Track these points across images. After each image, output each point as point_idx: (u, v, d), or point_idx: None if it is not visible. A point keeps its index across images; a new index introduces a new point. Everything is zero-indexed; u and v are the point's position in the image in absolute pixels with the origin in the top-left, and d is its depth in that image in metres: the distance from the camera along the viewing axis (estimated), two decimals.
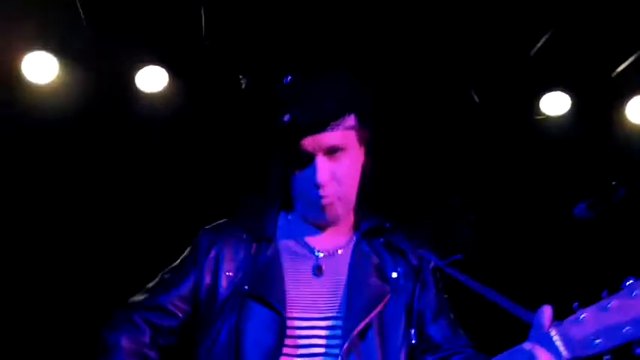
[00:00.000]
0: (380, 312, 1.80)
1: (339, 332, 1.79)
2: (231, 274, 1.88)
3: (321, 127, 1.68)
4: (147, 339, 1.92)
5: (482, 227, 4.63)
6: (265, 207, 1.93)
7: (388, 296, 1.84)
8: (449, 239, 5.08)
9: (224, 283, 1.88)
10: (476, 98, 4.81)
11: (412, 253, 1.91)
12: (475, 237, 4.58)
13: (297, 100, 1.66)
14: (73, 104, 4.64)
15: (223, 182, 4.68)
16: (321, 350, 1.80)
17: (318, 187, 1.79)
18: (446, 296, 1.97)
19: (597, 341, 1.55)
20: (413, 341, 1.85)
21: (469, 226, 5.22)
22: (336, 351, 1.78)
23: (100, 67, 4.65)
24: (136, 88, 4.65)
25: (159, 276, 2.05)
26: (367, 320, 1.77)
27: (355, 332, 1.76)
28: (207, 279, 1.91)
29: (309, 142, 1.73)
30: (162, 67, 4.58)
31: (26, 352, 4.63)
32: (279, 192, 1.91)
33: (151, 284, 2.06)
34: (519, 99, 5.16)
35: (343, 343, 1.77)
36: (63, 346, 4.64)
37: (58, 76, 4.52)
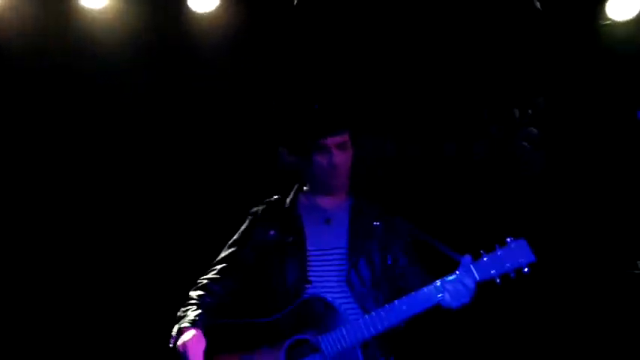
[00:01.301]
0: (369, 246, 2.90)
1: (344, 259, 2.87)
2: (272, 232, 2.97)
3: (337, 135, 2.90)
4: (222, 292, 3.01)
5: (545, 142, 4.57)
6: (293, 196, 3.08)
7: (373, 237, 2.94)
8: (510, 156, 4.97)
9: (269, 243, 2.96)
10: (538, 5, 4.62)
11: (384, 215, 3.00)
12: (538, 153, 4.54)
13: (324, 124, 2.86)
14: (127, 28, 4.62)
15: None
16: (333, 271, 2.88)
17: (334, 167, 2.91)
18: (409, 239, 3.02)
19: (492, 271, 2.72)
20: (389, 262, 2.95)
21: (530, 139, 5.14)
22: (343, 271, 2.87)
23: None
24: (188, 8, 4.59)
25: (226, 249, 3.07)
26: (362, 251, 2.89)
27: (354, 259, 2.88)
28: (260, 242, 2.99)
29: (330, 142, 2.91)
30: None
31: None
32: (299, 177, 3.08)
33: (220, 258, 3.07)
34: (583, 3, 4.93)
35: (348, 266, 2.87)
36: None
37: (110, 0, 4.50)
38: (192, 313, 2.84)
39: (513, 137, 5.19)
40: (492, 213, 4.90)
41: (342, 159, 2.89)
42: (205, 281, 2.98)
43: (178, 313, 2.90)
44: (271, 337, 2.77)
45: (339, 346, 2.71)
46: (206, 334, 2.79)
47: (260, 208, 3.09)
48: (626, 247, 4.72)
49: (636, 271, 4.47)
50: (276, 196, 3.11)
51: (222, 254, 3.05)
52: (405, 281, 2.91)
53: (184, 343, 2.73)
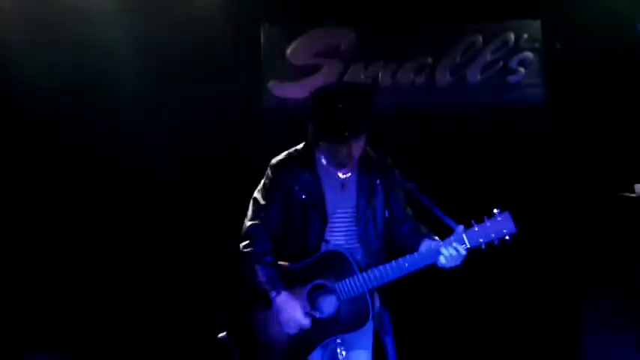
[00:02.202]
0: (373, 204, 3.32)
1: (354, 217, 3.29)
2: (300, 190, 3.27)
3: (356, 135, 3.17)
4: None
5: None
6: (306, 152, 3.35)
7: (377, 195, 3.34)
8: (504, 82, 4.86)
9: (295, 196, 3.28)
10: None
11: (384, 170, 3.36)
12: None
13: (346, 119, 3.12)
14: None
15: None
16: (346, 227, 3.29)
17: (351, 157, 3.23)
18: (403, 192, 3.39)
19: (480, 240, 3.09)
20: (387, 215, 3.37)
21: (526, 65, 5.03)
22: (353, 229, 3.30)
23: None
24: None
25: (260, 202, 3.32)
26: (369, 210, 3.33)
27: (364, 217, 3.31)
28: (289, 196, 3.29)
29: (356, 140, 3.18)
30: None
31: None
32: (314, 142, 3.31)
33: (251, 211, 3.35)
34: None
35: (358, 224, 3.30)
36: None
37: None
38: (271, 281, 3.23)
39: (508, 62, 5.10)
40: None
41: (357, 149, 3.20)
42: (261, 239, 3.28)
43: (258, 279, 3.21)
44: (298, 280, 3.23)
45: (351, 292, 3.18)
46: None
47: (281, 161, 3.34)
48: (622, 170, 4.68)
49: (632, 194, 4.43)
50: (293, 150, 3.36)
51: (261, 209, 3.31)
52: (399, 225, 3.37)
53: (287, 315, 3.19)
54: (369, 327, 3.25)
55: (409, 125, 4.98)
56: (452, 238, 3.10)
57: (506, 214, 3.08)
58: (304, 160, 3.31)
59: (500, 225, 3.07)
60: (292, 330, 3.18)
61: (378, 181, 3.34)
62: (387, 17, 5.04)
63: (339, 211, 3.29)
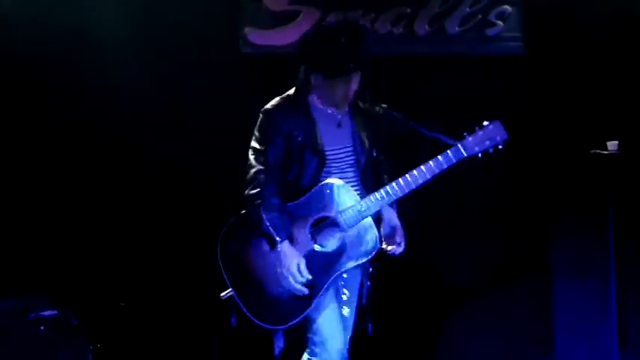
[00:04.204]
0: (366, 140, 3.38)
1: (353, 155, 3.36)
2: (295, 133, 3.28)
3: (360, 68, 3.26)
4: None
5: None
6: (298, 95, 3.39)
7: (370, 133, 3.40)
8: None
9: (292, 139, 3.29)
10: None
11: (375, 108, 3.45)
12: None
13: (350, 52, 3.21)
14: None
15: None
16: (346, 164, 3.34)
17: (350, 94, 3.32)
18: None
19: (475, 148, 3.25)
20: (374, 154, 3.41)
21: (504, 18, 5.00)
22: (353, 163, 3.36)
23: None
24: None
25: (252, 151, 3.33)
26: (365, 148, 3.39)
27: (359, 153, 3.37)
28: (286, 139, 3.30)
29: (352, 75, 3.26)
30: None
31: None
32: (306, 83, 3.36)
33: (251, 159, 3.33)
34: None
35: (356, 159, 3.37)
36: None
37: None
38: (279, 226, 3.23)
39: (487, 15, 5.07)
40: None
41: (352, 90, 3.28)
42: (264, 181, 3.26)
43: (264, 223, 3.21)
44: (298, 217, 3.27)
45: (353, 220, 3.22)
46: (240, 221, 3.33)
47: (274, 106, 3.36)
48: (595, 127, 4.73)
49: (604, 152, 4.48)
50: (284, 95, 3.38)
51: (259, 154, 3.31)
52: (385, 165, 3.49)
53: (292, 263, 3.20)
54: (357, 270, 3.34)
55: (386, 74, 4.95)
56: (449, 150, 3.24)
57: (497, 122, 3.29)
58: (297, 104, 3.34)
59: (492, 132, 3.26)
60: (287, 283, 3.18)
61: (370, 120, 3.40)
62: None
63: (336, 149, 3.33)
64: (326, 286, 3.22)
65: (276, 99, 3.38)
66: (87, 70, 4.90)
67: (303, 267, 3.18)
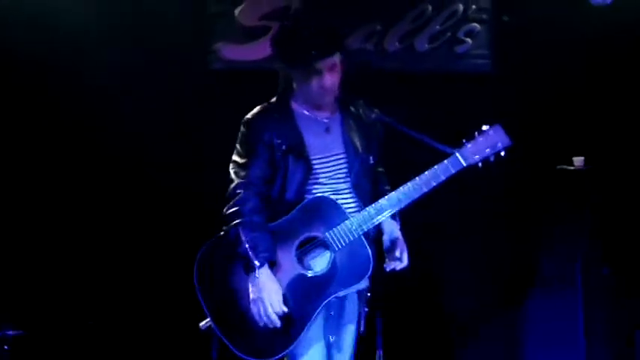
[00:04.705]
0: (360, 146, 3.06)
1: (345, 162, 3.02)
2: (279, 141, 2.98)
3: (330, 54, 2.94)
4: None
5: None
6: (281, 102, 3.11)
7: (363, 139, 3.07)
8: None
9: (275, 148, 2.98)
10: None
11: (368, 114, 3.14)
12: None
13: (320, 41, 2.92)
14: None
15: None
16: (336, 173, 3.00)
17: (324, 89, 2.98)
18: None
19: (475, 156, 2.93)
20: (371, 162, 3.10)
21: (473, 36, 5.07)
22: (345, 172, 3.02)
23: None
24: None
25: (233, 165, 3.03)
26: (359, 154, 3.06)
27: (352, 161, 3.03)
28: (269, 148, 3.00)
29: (321, 65, 2.94)
30: None
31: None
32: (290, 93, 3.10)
33: (232, 174, 3.03)
34: None
35: (349, 167, 3.03)
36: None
37: None
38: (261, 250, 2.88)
39: (456, 33, 5.14)
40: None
41: (331, 81, 2.96)
42: (245, 198, 2.94)
43: (242, 244, 2.86)
44: (283, 237, 2.91)
45: (344, 239, 2.89)
46: (218, 245, 2.96)
47: (255, 114, 3.07)
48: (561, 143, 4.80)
49: (570, 167, 4.54)
50: (265, 103, 3.10)
51: (241, 168, 3.01)
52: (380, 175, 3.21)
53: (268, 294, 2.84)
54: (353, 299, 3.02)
55: (356, 90, 4.98)
56: (446, 160, 2.92)
57: (497, 127, 2.94)
58: (279, 111, 3.05)
59: (492, 138, 2.93)
60: (256, 313, 2.83)
61: (360, 123, 3.10)
62: None
63: (324, 157, 3.01)
64: (315, 315, 2.87)
65: (257, 108, 3.10)
66: (62, 85, 4.85)
67: (279, 300, 2.82)
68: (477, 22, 5.13)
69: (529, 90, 5.02)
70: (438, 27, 5.12)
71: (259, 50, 4.87)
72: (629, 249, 4.80)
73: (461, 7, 5.13)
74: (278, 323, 2.82)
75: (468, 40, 5.14)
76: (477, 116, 4.96)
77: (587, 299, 4.48)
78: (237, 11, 4.95)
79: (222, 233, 2.93)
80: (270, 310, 2.81)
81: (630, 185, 4.90)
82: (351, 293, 3.00)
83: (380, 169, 3.19)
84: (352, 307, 3.06)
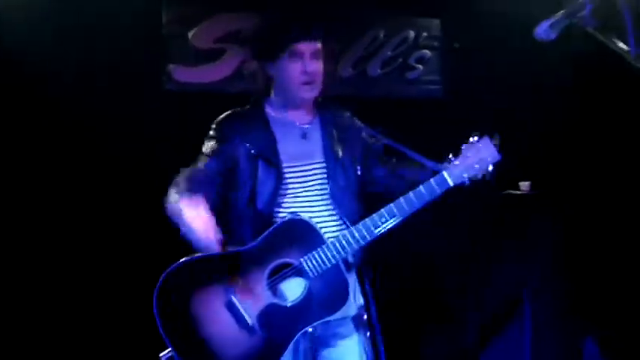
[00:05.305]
0: (342, 155, 2.86)
1: (323, 172, 2.82)
2: (247, 144, 2.81)
3: (312, 41, 2.82)
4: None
5: None
6: (254, 107, 2.95)
7: (345, 148, 2.88)
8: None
9: (244, 151, 2.81)
10: None
11: (355, 121, 3.00)
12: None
13: (302, 24, 2.80)
14: None
15: None
16: (314, 184, 2.81)
17: (308, 75, 2.81)
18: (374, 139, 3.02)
19: (464, 174, 2.72)
20: (358, 172, 2.90)
21: (424, 62, 5.15)
22: (322, 184, 2.81)
23: None
24: None
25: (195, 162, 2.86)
26: (340, 163, 2.85)
27: (332, 171, 2.82)
28: (236, 149, 2.83)
29: (304, 48, 2.80)
30: None
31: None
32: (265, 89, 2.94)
33: (193, 169, 2.86)
34: None
35: (328, 178, 2.81)
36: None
37: None
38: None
39: (407, 59, 5.22)
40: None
41: (315, 67, 2.80)
42: (194, 179, 2.77)
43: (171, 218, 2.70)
44: (253, 264, 2.67)
45: (320, 266, 2.65)
46: (181, 272, 2.68)
47: (226, 115, 2.92)
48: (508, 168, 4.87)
49: (517, 192, 4.62)
50: (239, 108, 2.94)
51: (201, 158, 2.85)
52: (373, 186, 2.98)
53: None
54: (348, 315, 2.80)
55: None
56: (431, 180, 2.70)
57: (486, 139, 2.77)
58: (252, 114, 2.88)
59: (481, 153, 2.74)
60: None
61: (345, 134, 2.91)
62: (293, 5, 5.06)
63: (299, 165, 2.81)
64: (287, 347, 2.65)
65: (232, 111, 2.94)
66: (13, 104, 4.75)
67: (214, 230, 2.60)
68: (427, 49, 5.24)
69: (478, 115, 5.09)
70: (389, 53, 5.21)
71: (212, 73, 4.91)
72: (575, 272, 4.89)
73: (412, 33, 5.23)
74: (216, 247, 2.62)
75: (419, 66, 5.24)
76: (428, 141, 5.12)
77: (535, 323, 4.54)
78: (190, 34, 4.97)
79: (173, 265, 2.69)
80: (203, 235, 2.60)
81: (577, 210, 4.99)
82: (345, 324, 2.82)
83: (367, 179, 2.96)
84: (351, 343, 2.84)
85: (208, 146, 2.86)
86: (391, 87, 5.25)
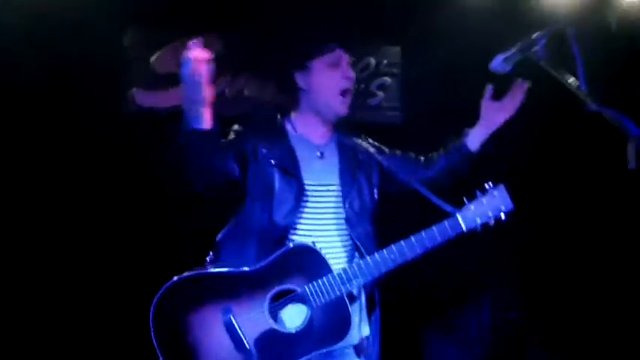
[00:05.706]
0: (358, 178, 2.81)
1: (338, 196, 2.75)
2: (265, 151, 2.73)
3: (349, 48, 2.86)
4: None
5: None
6: (271, 121, 2.87)
7: (361, 170, 2.84)
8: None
9: (263, 159, 2.73)
10: None
11: (366, 144, 2.96)
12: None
13: (320, 28, 2.81)
14: None
15: None
16: (327, 208, 2.74)
17: (349, 80, 2.85)
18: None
19: (477, 220, 2.68)
20: (375, 196, 2.86)
21: (384, 89, 5.19)
22: (336, 208, 2.74)
23: None
24: None
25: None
26: (354, 184, 2.80)
27: (348, 194, 2.77)
28: (247, 154, 2.74)
29: (344, 57, 2.85)
30: None
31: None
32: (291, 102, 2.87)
33: None
34: None
35: (343, 203, 2.75)
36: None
37: None
38: None
39: (369, 86, 5.28)
40: None
41: (353, 75, 2.85)
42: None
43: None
44: (257, 286, 2.61)
45: (325, 296, 2.59)
46: (185, 289, 2.62)
47: (244, 124, 2.86)
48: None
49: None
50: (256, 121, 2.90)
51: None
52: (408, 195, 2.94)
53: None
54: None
55: None
56: (445, 222, 2.67)
57: (501, 187, 2.75)
58: (271, 126, 2.82)
59: (496, 200, 2.71)
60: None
61: (362, 156, 2.88)
62: (257, 30, 5.09)
63: (316, 185, 2.74)
64: None
65: (253, 116, 2.92)
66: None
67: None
68: (387, 76, 5.32)
69: (439, 141, 5.16)
70: None
71: (172, 98, 4.89)
72: (536, 293, 4.96)
73: (373, 60, 5.30)
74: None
75: (380, 92, 5.31)
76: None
77: (494, 342, 4.59)
78: (153, 58, 4.97)
79: (175, 278, 2.63)
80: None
81: (540, 231, 5.08)
82: (346, 353, 2.75)
83: (415, 156, 3.08)
84: None
85: (227, 143, 2.78)
86: (353, 113, 5.27)
